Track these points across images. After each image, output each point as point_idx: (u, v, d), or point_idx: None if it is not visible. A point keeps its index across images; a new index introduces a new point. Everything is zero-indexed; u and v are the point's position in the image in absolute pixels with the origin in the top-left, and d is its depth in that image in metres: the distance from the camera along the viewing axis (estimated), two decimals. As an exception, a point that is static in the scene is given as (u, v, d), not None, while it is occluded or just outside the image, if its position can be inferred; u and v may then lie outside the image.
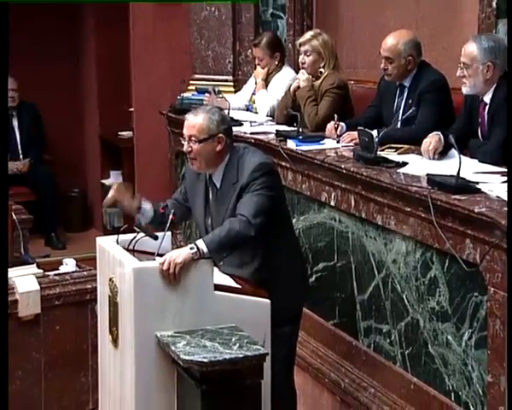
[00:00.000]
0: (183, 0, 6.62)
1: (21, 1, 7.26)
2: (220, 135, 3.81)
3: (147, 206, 4.04)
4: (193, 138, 3.83)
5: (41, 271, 5.20)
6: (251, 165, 3.78)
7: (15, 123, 8.00)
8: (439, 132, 4.24)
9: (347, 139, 4.72)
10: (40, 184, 7.87)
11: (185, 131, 3.88)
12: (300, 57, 5.30)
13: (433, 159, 4.21)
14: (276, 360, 3.70)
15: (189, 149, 3.86)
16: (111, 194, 4.03)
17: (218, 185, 3.91)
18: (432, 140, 4.23)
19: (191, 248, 3.59)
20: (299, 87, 5.27)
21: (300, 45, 5.32)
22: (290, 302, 3.92)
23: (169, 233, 3.97)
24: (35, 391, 5.01)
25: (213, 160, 3.86)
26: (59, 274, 5.22)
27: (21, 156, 7.96)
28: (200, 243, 3.60)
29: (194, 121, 3.85)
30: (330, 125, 4.87)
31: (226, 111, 5.47)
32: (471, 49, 4.13)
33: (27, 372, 4.98)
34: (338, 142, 4.77)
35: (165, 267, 3.55)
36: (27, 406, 4.98)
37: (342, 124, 4.88)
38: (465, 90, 4.20)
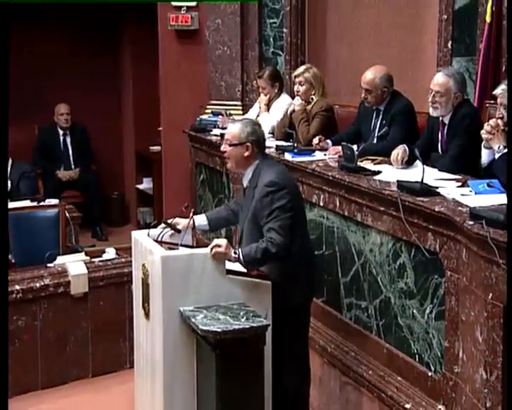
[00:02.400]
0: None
1: None
2: (248, 144, 3.76)
3: (200, 221, 4.07)
4: (228, 141, 3.82)
5: (88, 258, 5.23)
6: (265, 179, 3.70)
7: (68, 140, 7.99)
8: (405, 145, 4.23)
9: (333, 152, 4.71)
10: (88, 188, 7.85)
11: (225, 135, 3.89)
12: (295, 86, 5.30)
13: (401, 166, 4.19)
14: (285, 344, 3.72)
15: (224, 149, 3.85)
16: (177, 223, 4.00)
17: (245, 185, 3.87)
18: (399, 151, 4.22)
19: (235, 253, 3.57)
20: (294, 111, 5.28)
21: (295, 77, 5.33)
22: (295, 297, 3.82)
23: (190, 228, 3.96)
24: (84, 352, 5.05)
25: (241, 163, 3.82)
26: (102, 260, 5.24)
27: (73, 166, 7.94)
28: (241, 254, 3.57)
29: (232, 128, 3.84)
30: (315, 140, 4.89)
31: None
32: (446, 81, 4.12)
33: (78, 338, 5.02)
34: (325, 155, 4.76)
35: (212, 244, 3.58)
36: (79, 363, 5.03)
37: (328, 141, 4.89)
38: (436, 113, 4.20)
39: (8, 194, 3.28)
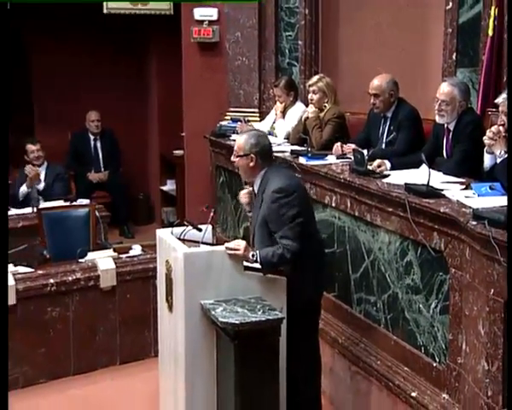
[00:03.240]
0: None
1: None
2: (252, 155, 3.74)
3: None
4: (235, 152, 3.81)
5: (116, 254, 5.24)
6: (272, 185, 3.67)
7: (98, 144, 8.01)
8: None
9: (348, 149, 4.68)
10: (116, 189, 7.86)
11: (234, 146, 3.88)
12: (310, 95, 5.28)
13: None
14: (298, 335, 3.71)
15: (233, 160, 3.84)
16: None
17: (255, 191, 3.85)
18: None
19: (252, 256, 3.56)
20: (308, 117, 5.26)
21: (310, 86, 5.31)
22: (307, 292, 3.79)
23: (210, 227, 3.96)
24: (112, 342, 5.07)
25: (249, 171, 3.80)
26: (129, 257, 5.26)
27: (102, 169, 7.95)
28: (259, 256, 3.55)
29: (238, 140, 3.83)
30: (337, 146, 4.82)
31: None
32: (451, 90, 4.10)
33: (106, 329, 5.04)
34: (338, 158, 4.74)
35: (230, 245, 3.58)
36: (107, 351, 5.05)
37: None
38: (442, 120, 4.17)
39: (8, 197, 3.25)
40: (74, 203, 6.10)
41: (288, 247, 3.56)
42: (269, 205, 3.65)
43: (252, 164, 3.75)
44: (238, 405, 3.37)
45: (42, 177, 6.58)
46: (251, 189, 3.96)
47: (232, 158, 3.86)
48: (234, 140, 5.86)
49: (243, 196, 4.03)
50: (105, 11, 7.44)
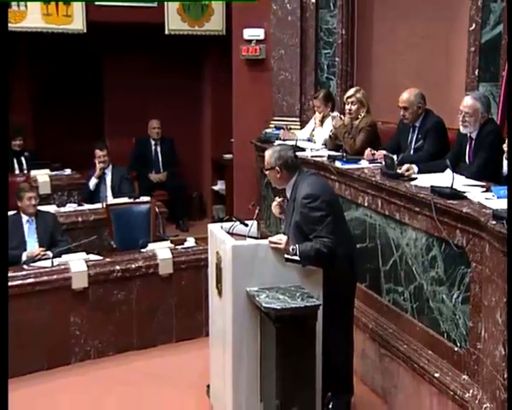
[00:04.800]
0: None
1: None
2: (277, 168, 3.73)
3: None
4: (264, 166, 3.83)
5: (173, 245, 5.28)
6: (302, 192, 3.65)
7: (159, 149, 8.06)
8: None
9: (379, 155, 4.62)
10: (173, 188, 7.91)
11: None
12: (347, 106, 5.14)
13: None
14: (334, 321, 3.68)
15: (265, 172, 3.86)
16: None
17: (288, 196, 3.84)
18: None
19: (292, 249, 3.54)
20: (336, 127, 5.21)
21: (348, 98, 5.16)
22: (342, 284, 3.76)
23: (255, 222, 3.95)
24: (169, 322, 5.11)
25: (278, 182, 3.80)
26: (184, 248, 5.29)
27: (162, 170, 8.01)
28: (298, 250, 3.53)
29: (265, 155, 3.82)
30: (368, 151, 4.76)
31: (294, 141, 5.47)
32: (474, 103, 4.02)
33: (164, 311, 5.08)
34: (370, 163, 4.68)
35: (273, 239, 3.57)
36: (165, 331, 5.09)
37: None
38: (465, 130, 4.09)
39: (7, 197, 3.24)
40: (137, 200, 6.16)
41: (325, 243, 3.55)
42: (300, 210, 3.64)
43: (278, 175, 3.75)
44: (278, 380, 3.36)
45: (108, 178, 6.65)
46: (280, 200, 3.96)
47: (264, 170, 3.87)
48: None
49: (275, 207, 4.01)
50: (166, 32, 7.52)
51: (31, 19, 6.95)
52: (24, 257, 5.14)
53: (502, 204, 3.25)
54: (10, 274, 4.66)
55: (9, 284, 4.58)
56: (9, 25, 6.86)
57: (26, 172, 7.00)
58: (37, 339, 4.63)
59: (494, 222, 3.12)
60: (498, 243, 3.08)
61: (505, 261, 3.01)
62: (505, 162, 3.74)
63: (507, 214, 2.97)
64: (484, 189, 3.69)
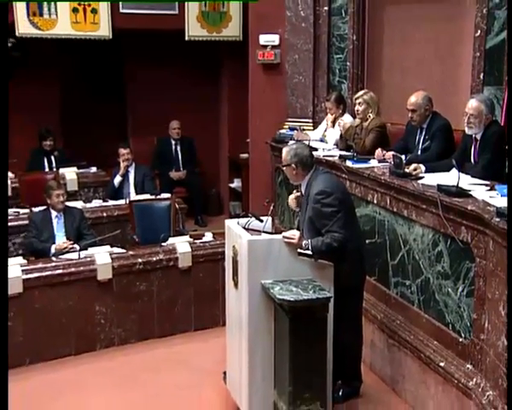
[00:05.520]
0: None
1: None
2: (293, 165, 3.73)
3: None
4: (281, 163, 3.82)
5: (192, 239, 5.29)
6: (315, 188, 3.66)
7: (179, 148, 8.05)
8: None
9: (388, 156, 4.59)
10: (192, 186, 7.92)
11: None
12: (356, 107, 5.20)
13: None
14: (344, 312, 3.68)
15: (282, 169, 3.84)
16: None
17: (303, 192, 3.84)
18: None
19: (305, 244, 3.54)
20: (345, 130, 5.21)
21: (356, 99, 5.23)
22: (352, 277, 3.77)
23: (270, 218, 3.96)
24: (188, 312, 5.13)
25: (294, 178, 3.81)
26: (202, 242, 5.30)
27: (181, 169, 8.02)
28: (310, 245, 3.53)
29: (282, 153, 3.82)
30: (379, 151, 4.75)
31: (307, 141, 5.46)
32: (478, 106, 3.99)
33: (183, 301, 5.10)
34: (379, 162, 4.67)
35: (287, 234, 3.56)
36: (184, 320, 5.10)
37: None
38: (471, 131, 4.06)
39: (7, 197, 3.22)
40: (158, 197, 6.19)
41: (335, 237, 3.55)
42: (313, 206, 3.65)
43: (294, 172, 3.75)
44: (291, 367, 3.37)
45: (131, 176, 6.68)
46: (298, 194, 3.96)
47: (282, 166, 3.88)
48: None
49: (291, 201, 4.04)
50: (186, 38, 7.55)
51: (60, 26, 7.05)
52: (53, 250, 5.20)
53: (505, 202, 3.22)
54: (40, 265, 4.73)
55: (39, 274, 4.65)
56: (41, 32, 6.99)
57: (55, 170, 7.06)
58: (66, 327, 4.68)
59: (498, 219, 3.10)
60: (502, 239, 3.07)
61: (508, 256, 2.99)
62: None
63: (507, 211, 2.95)
64: (488, 187, 3.67)
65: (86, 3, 7.09)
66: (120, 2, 7.25)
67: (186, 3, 7.42)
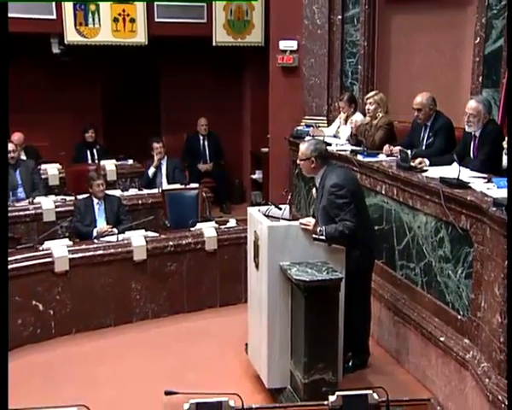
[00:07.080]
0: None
1: None
2: (312, 158, 3.71)
3: None
4: (299, 157, 3.79)
5: (217, 225, 5.31)
6: (329, 181, 3.64)
7: (206, 143, 8.03)
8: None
9: (396, 150, 4.55)
10: (218, 177, 7.92)
11: (299, 151, 3.84)
12: (367, 106, 5.16)
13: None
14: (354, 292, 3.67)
15: (298, 162, 3.83)
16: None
17: (317, 185, 3.83)
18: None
19: (319, 230, 3.52)
20: (356, 128, 5.18)
21: (367, 99, 5.19)
22: (361, 263, 3.75)
23: (288, 206, 3.97)
24: (214, 290, 5.14)
25: (311, 171, 3.78)
26: (227, 227, 5.31)
27: (209, 161, 8.01)
28: (324, 231, 3.51)
29: (301, 147, 3.79)
30: (386, 147, 4.71)
31: (322, 137, 5.45)
32: (477, 106, 3.96)
33: (210, 280, 5.09)
34: (387, 156, 4.64)
35: (303, 221, 3.55)
36: (211, 297, 5.12)
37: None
38: (470, 129, 4.02)
39: (6, 195, 3.16)
40: (188, 187, 6.22)
41: (347, 225, 3.55)
42: (327, 197, 3.64)
43: (313, 165, 3.72)
44: (306, 341, 3.39)
45: (163, 167, 6.72)
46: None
47: (298, 161, 3.84)
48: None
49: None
50: (214, 44, 7.56)
51: (103, 34, 7.15)
52: (94, 233, 5.26)
53: (501, 193, 3.21)
54: (84, 246, 4.80)
55: (83, 254, 4.72)
56: (86, 39, 7.09)
57: (96, 162, 7.14)
58: (105, 301, 4.75)
59: (494, 209, 3.09)
60: (498, 226, 3.06)
61: (504, 242, 2.97)
62: (505, 157, 3.69)
63: (506, 202, 2.92)
64: (486, 180, 3.64)
65: (125, 13, 7.15)
66: (155, 12, 7.31)
67: (213, 14, 7.43)
